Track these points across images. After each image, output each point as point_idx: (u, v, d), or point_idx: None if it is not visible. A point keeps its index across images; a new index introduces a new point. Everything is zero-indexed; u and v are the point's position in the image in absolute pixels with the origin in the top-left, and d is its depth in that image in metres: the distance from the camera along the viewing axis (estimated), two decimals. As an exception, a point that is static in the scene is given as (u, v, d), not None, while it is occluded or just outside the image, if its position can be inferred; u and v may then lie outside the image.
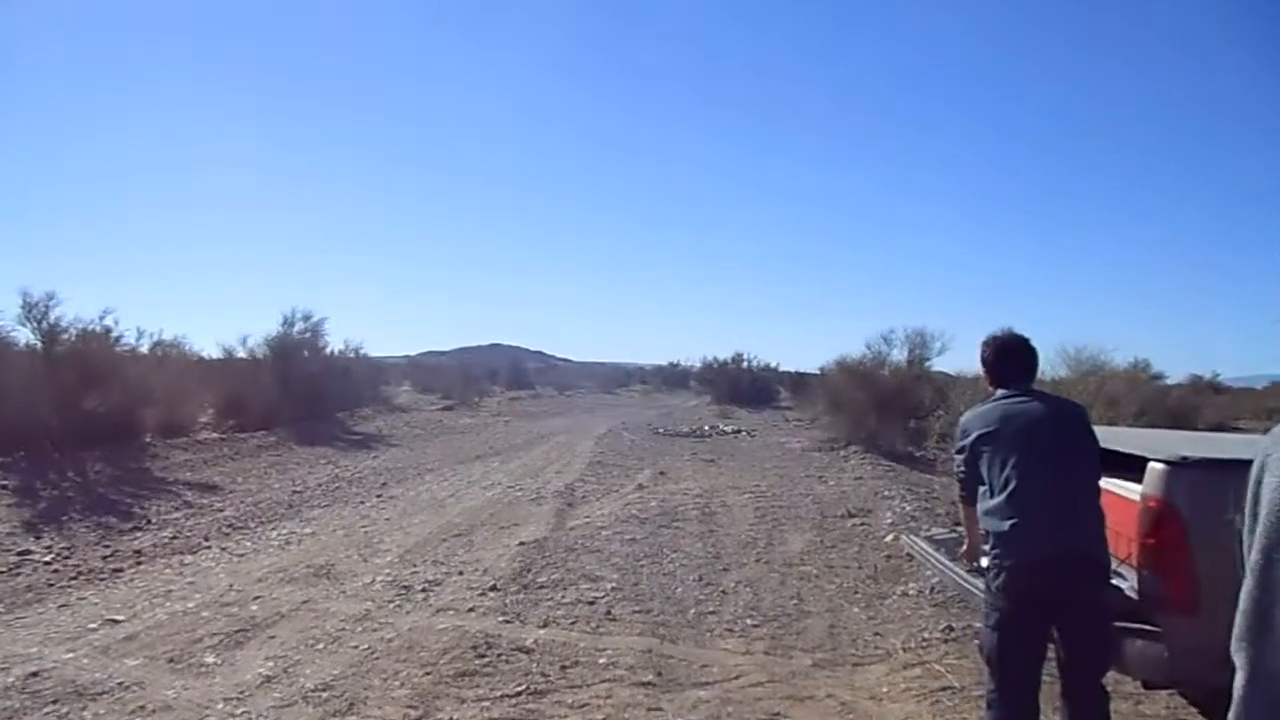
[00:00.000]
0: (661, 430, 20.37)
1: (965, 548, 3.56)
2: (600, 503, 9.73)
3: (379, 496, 10.13)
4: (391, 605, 5.57)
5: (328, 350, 20.32)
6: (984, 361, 3.33)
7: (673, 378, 52.89)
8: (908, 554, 6.09)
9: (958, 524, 4.38)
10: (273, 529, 8.17)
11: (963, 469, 3.22)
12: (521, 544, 7.38)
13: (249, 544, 7.50)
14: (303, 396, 17.24)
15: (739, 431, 20.35)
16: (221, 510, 9.04)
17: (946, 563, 4.04)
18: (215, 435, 14.34)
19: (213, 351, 17.84)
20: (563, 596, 5.75)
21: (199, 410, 15.30)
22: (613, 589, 5.95)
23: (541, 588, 5.98)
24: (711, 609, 5.52)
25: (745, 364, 37.24)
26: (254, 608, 5.45)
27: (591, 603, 5.61)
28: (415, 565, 6.65)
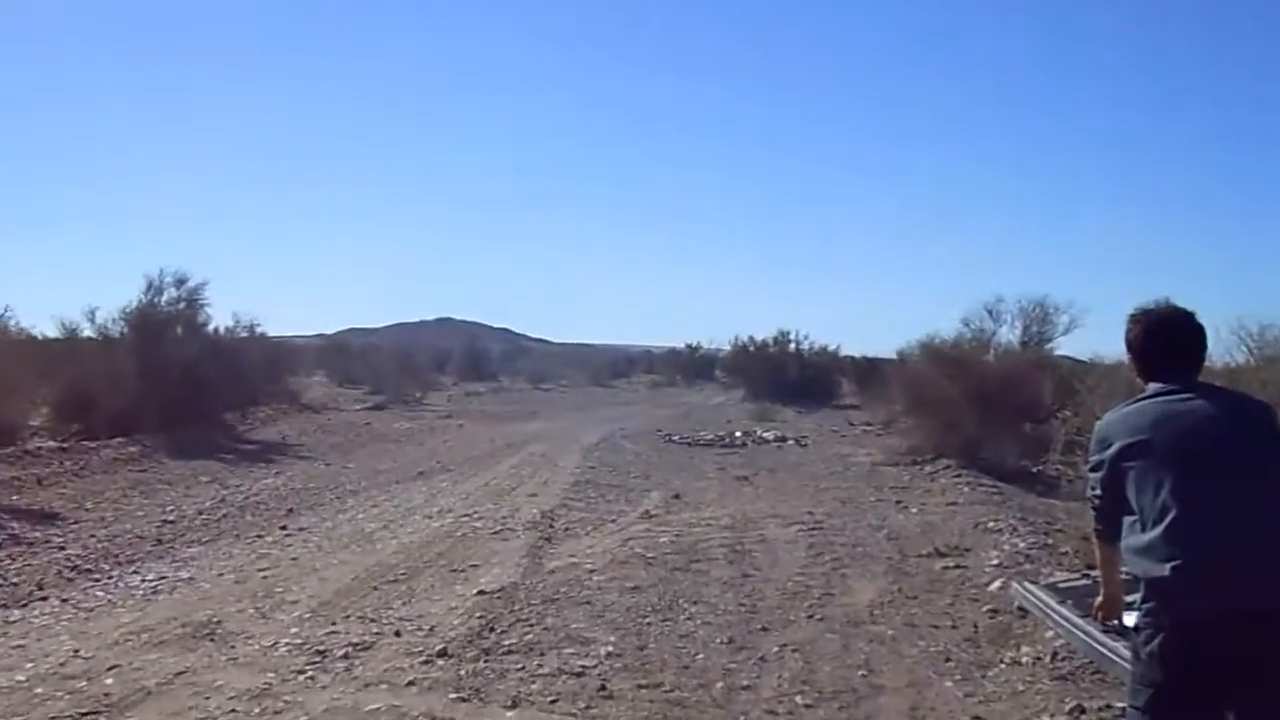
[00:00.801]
0: (676, 438, 20.45)
1: (1102, 599, 3.53)
2: (591, 537, 9.75)
3: (283, 529, 10.16)
4: (301, 677, 5.57)
5: (210, 328, 20.39)
6: (1130, 345, 3.29)
7: (691, 366, 53.10)
8: (1019, 608, 6.07)
9: (1092, 567, 4.37)
10: (135, 573, 8.16)
11: (1099, 492, 3.19)
12: (482, 593, 7.38)
13: (101, 594, 7.49)
14: (176, 391, 17.30)
15: (784, 439, 20.42)
16: (63, 548, 9.01)
17: (1075, 619, 4.03)
18: (53, 444, 14.40)
19: (48, 330, 17.92)
20: (539, 665, 5.75)
21: (29, 410, 15.36)
22: (608, 655, 5.94)
23: (509, 653, 5.98)
24: (746, 682, 5.51)
25: (793, 346, 37.34)
26: (109, 681, 5.43)
27: (579, 674, 5.61)
28: (334, 622, 6.64)
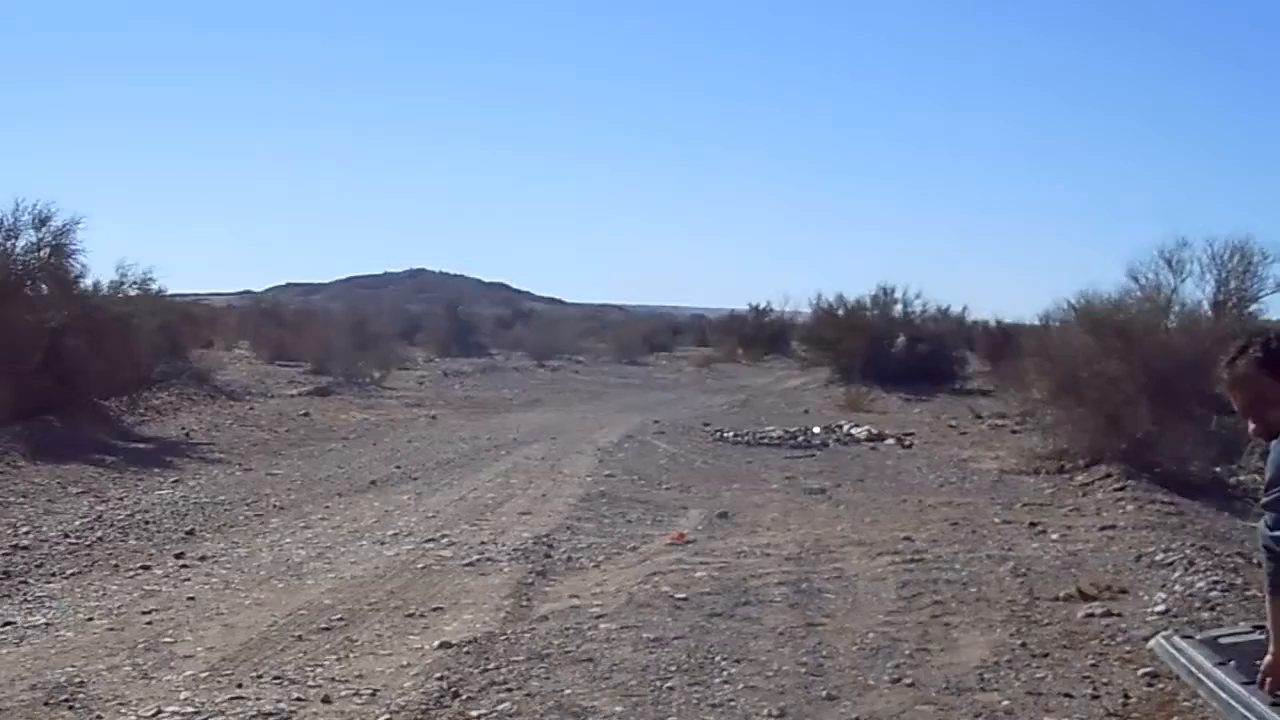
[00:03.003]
0: (730, 434, 20.54)
1: (1272, 661, 3.56)
2: (601, 570, 9.87)
3: (179, 558, 10.30)
4: (190, 759, 5.69)
5: (86, 285, 20.52)
6: None
7: (758, 336, 53.03)
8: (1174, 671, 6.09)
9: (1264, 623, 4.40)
10: (-30, 616, 8.34)
11: (1277, 531, 3.25)
12: (446, 646, 7.49)
13: (-73, 644, 7.66)
14: (36, 370, 17.46)
15: (880, 437, 20.45)
16: (-122, 581, 9.19)
17: (1234, 687, 4.05)
18: None
19: None
20: (515, 745, 5.85)
21: None
22: (612, 734, 6.03)
23: (477, 730, 6.09)
24: (800, 771, 5.59)
25: (899, 309, 37.28)
26: (-69, 762, 5.59)
27: (570, 758, 5.70)
28: (240, 685, 6.76)
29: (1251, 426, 3.95)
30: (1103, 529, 11.55)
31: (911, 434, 21.05)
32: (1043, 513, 12.73)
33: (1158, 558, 9.93)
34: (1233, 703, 4.03)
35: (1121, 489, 13.77)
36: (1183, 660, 4.53)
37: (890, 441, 19.99)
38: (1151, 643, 5.12)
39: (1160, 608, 8.32)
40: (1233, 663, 4.24)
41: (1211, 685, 4.23)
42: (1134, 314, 16.52)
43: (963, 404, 27.91)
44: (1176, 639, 4.77)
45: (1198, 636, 4.77)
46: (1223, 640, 4.63)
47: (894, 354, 35.70)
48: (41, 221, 18.92)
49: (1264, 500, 3.29)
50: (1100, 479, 14.55)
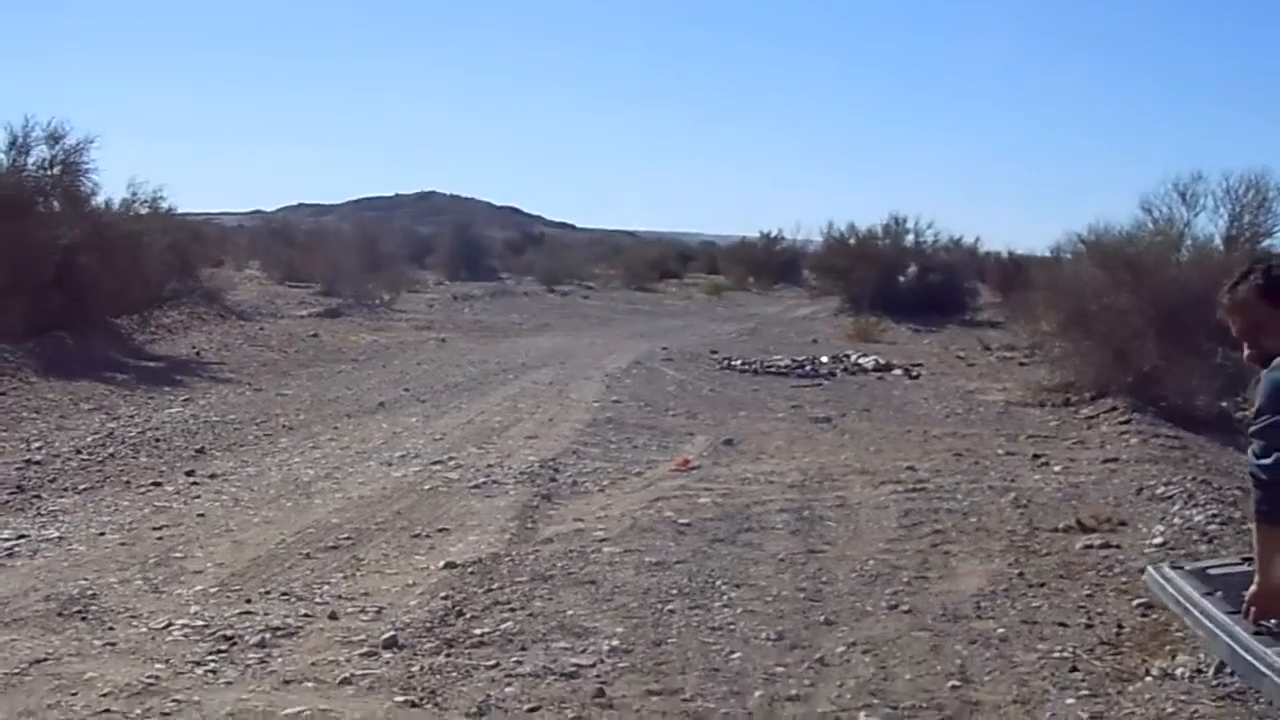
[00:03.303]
0: (737, 363, 20.60)
1: (1256, 590, 3.64)
2: (606, 494, 9.97)
3: (189, 475, 10.43)
4: (199, 670, 5.81)
5: (99, 202, 20.58)
6: None
7: (768, 263, 52.93)
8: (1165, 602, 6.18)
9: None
10: (-16, 529, 8.49)
11: (1271, 461, 3.30)
12: (451, 566, 7.62)
13: (-63, 555, 7.81)
14: (49, 287, 17.54)
15: (888, 367, 20.50)
16: (-114, 496, 9.36)
17: (1219, 616, 4.13)
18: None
19: None
20: (517, 662, 5.96)
21: None
22: (612, 651, 6.14)
23: (480, 645, 6.20)
24: (794, 691, 5.69)
25: (910, 239, 37.21)
26: (-58, 669, 5.72)
27: (570, 675, 5.82)
28: (248, 600, 6.90)
29: (1247, 352, 4.05)
30: (1105, 462, 11.61)
31: (919, 365, 21.06)
32: (1046, 445, 12.78)
33: (1158, 491, 9.99)
34: (1217, 631, 4.11)
35: (1126, 422, 13.82)
36: (1171, 590, 4.61)
37: (897, 372, 20.01)
38: (1147, 573, 5.21)
39: (1158, 540, 8.41)
40: (1219, 593, 4.32)
41: (1197, 614, 4.31)
42: (1145, 247, 16.49)
43: (972, 335, 27.86)
44: (1166, 569, 4.85)
45: (1187, 567, 4.85)
46: (1212, 571, 4.71)
47: (904, 284, 35.60)
48: (54, 139, 18.98)
49: (1252, 428, 3.35)
50: (1105, 412, 14.60)
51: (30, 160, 18.86)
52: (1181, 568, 4.83)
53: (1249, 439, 3.48)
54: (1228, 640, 4.01)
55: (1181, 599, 4.49)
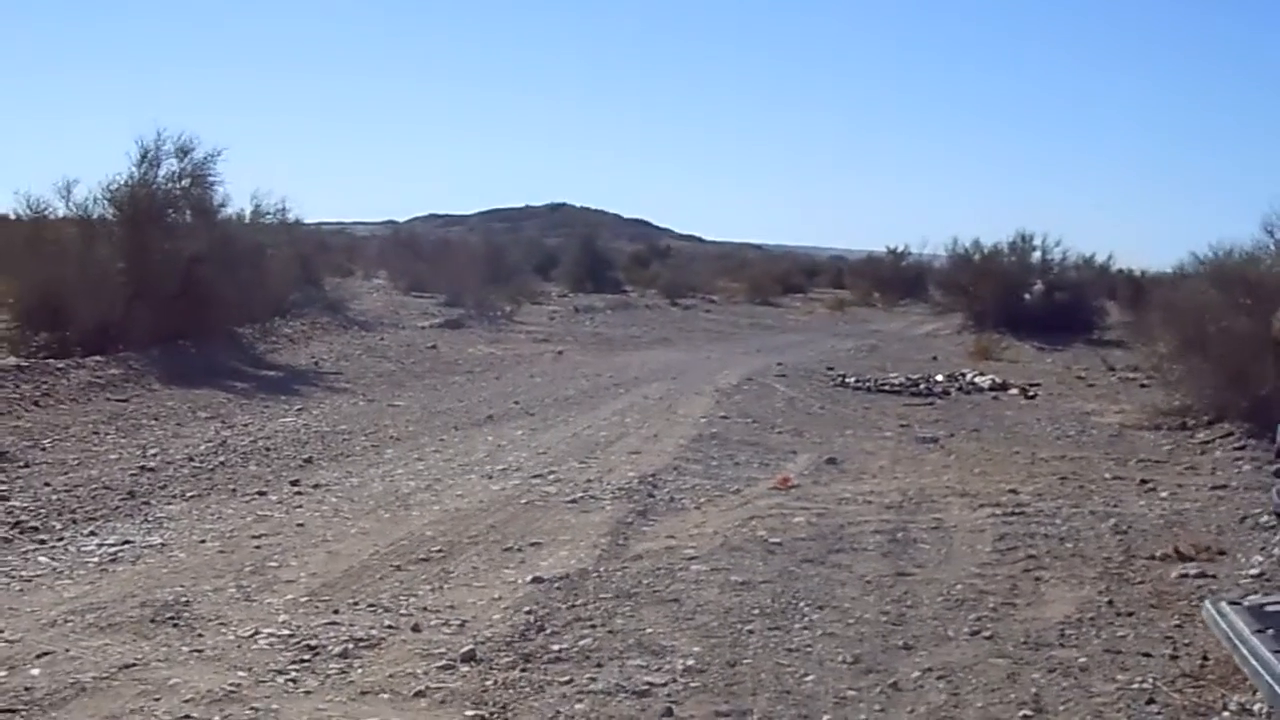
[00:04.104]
0: (851, 380, 20.53)
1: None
2: (701, 511, 10.00)
3: (294, 485, 10.63)
4: (280, 679, 5.94)
5: (225, 212, 21.09)
6: None
7: (894, 279, 52.65)
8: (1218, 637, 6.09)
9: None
10: (92, 534, 8.70)
11: None
12: (538, 581, 7.68)
13: (46, 560, 8.01)
14: (175, 296, 17.99)
15: (1004, 387, 20.28)
16: (5, 498, 9.60)
17: (1267, 656, 4.08)
18: (12, 361, 15.14)
19: (11, 209, 18.69)
20: (591, 679, 6.02)
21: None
22: (686, 670, 6.17)
23: (556, 661, 6.27)
24: (863, 717, 5.67)
25: (1039, 257, 36.83)
26: (34, 672, 5.87)
27: (641, 693, 5.86)
28: (336, 610, 7.03)
29: None
30: (1214, 488, 11.41)
31: (1037, 384, 20.81)
32: (1157, 470, 12.58)
33: (1262, 520, 9.80)
34: (1260, 670, 4.07)
35: (1241, 448, 13.57)
36: (1224, 626, 4.56)
37: (1014, 391, 19.79)
38: (1204, 608, 5.14)
39: (1255, 570, 8.26)
40: (1271, 630, 4.26)
41: (1245, 652, 4.26)
42: (1264, 269, 16.14)
43: (1097, 355, 27.48)
44: (1224, 604, 4.79)
45: (1245, 603, 4.79)
46: (1269, 607, 4.65)
47: (1030, 301, 35.27)
48: (183, 152, 19.40)
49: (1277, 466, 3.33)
50: (1221, 437, 14.34)
51: (160, 173, 19.30)
52: (1239, 603, 4.78)
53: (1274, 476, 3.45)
54: (1271, 682, 3.97)
55: (1232, 635, 4.45)
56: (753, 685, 6.05)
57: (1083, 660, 6.58)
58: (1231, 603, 4.92)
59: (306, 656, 6.26)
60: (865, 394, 19.07)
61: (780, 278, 57.74)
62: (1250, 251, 16.87)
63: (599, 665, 6.23)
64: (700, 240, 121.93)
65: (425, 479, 11.01)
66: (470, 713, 5.57)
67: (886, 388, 19.75)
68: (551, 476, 11.16)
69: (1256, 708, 5.84)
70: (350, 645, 6.43)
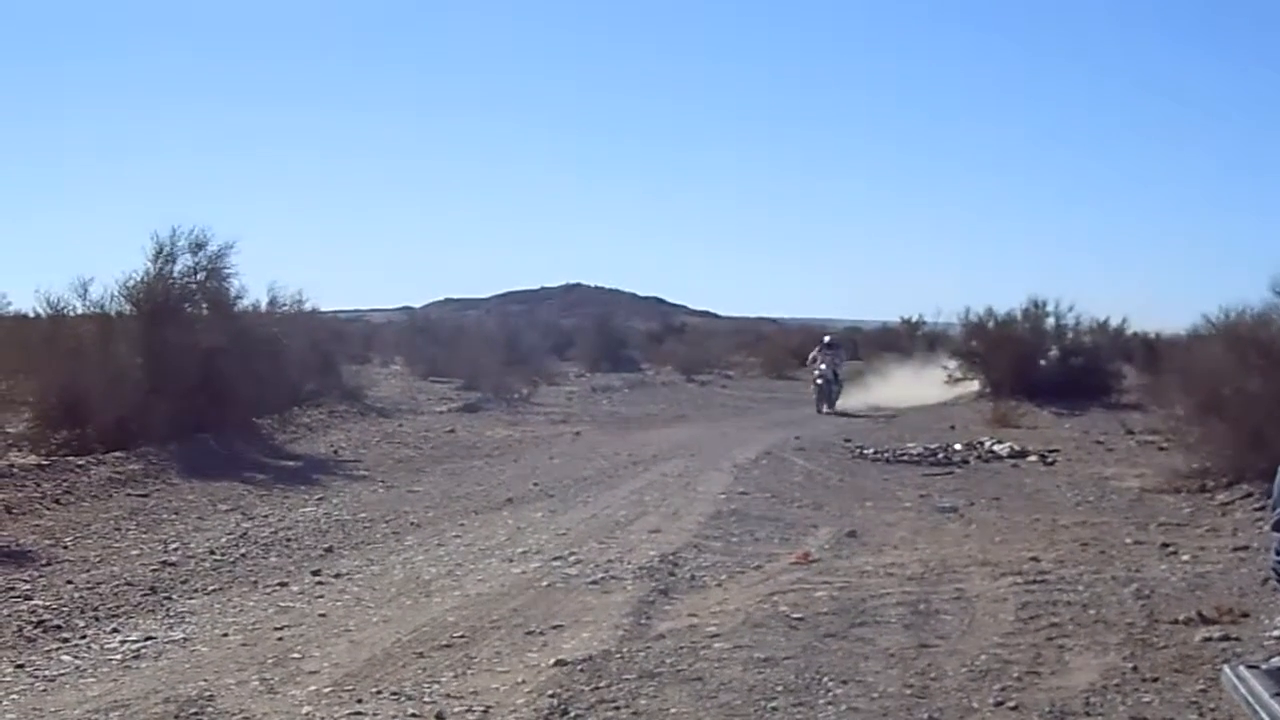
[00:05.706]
0: (869, 451, 20.51)
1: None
2: (724, 589, 10.00)
3: (315, 575, 10.66)
4: (306, 771, 5.96)
5: (241, 304, 21.18)
6: None
7: (908, 349, 52.63)
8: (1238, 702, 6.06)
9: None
10: (114, 631, 8.72)
11: None
12: (561, 663, 7.69)
13: (69, 658, 8.03)
14: (193, 389, 18.04)
15: (1022, 454, 20.23)
16: (29, 597, 9.62)
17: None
18: (33, 459, 15.23)
19: (30, 308, 18.75)
20: (616, 762, 6.03)
21: (7, 413, 16.25)
22: (710, 751, 6.18)
23: (581, 745, 6.28)
24: (886, 796, 5.68)
25: (1053, 322, 36.77)
26: (62, 770, 5.93)
27: (667, 775, 5.86)
28: (360, 700, 7.03)
29: None
30: (1236, 549, 11.39)
31: (1056, 450, 20.76)
32: (1178, 533, 12.56)
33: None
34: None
35: (1261, 508, 13.49)
36: (1243, 690, 4.53)
37: (1033, 458, 19.76)
38: (1224, 673, 5.11)
39: (1278, 633, 8.23)
40: (1292, 697, 4.24)
41: (1265, 717, 4.23)
42: (1277, 331, 16.13)
43: (1115, 419, 27.35)
44: (1242, 668, 4.76)
45: (1264, 666, 4.76)
46: (1286, 672, 4.62)
47: (1046, 367, 35.19)
48: (197, 247, 19.54)
49: (1273, 520, 3.34)
50: (1241, 498, 14.29)
51: (176, 268, 19.40)
52: (1257, 667, 4.75)
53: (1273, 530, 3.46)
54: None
55: (1251, 700, 4.42)
56: (778, 763, 6.05)
57: (1107, 730, 6.57)
58: (1250, 666, 4.89)
59: (331, 748, 6.28)
60: (884, 465, 19.06)
61: (796, 350, 57.61)
62: (1261, 312, 16.86)
63: (624, 747, 6.24)
64: (715, 315, 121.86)
65: (446, 564, 11.03)
66: (496, 799, 5.58)
67: (905, 458, 19.75)
68: (572, 558, 11.17)
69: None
70: (373, 736, 6.44)
